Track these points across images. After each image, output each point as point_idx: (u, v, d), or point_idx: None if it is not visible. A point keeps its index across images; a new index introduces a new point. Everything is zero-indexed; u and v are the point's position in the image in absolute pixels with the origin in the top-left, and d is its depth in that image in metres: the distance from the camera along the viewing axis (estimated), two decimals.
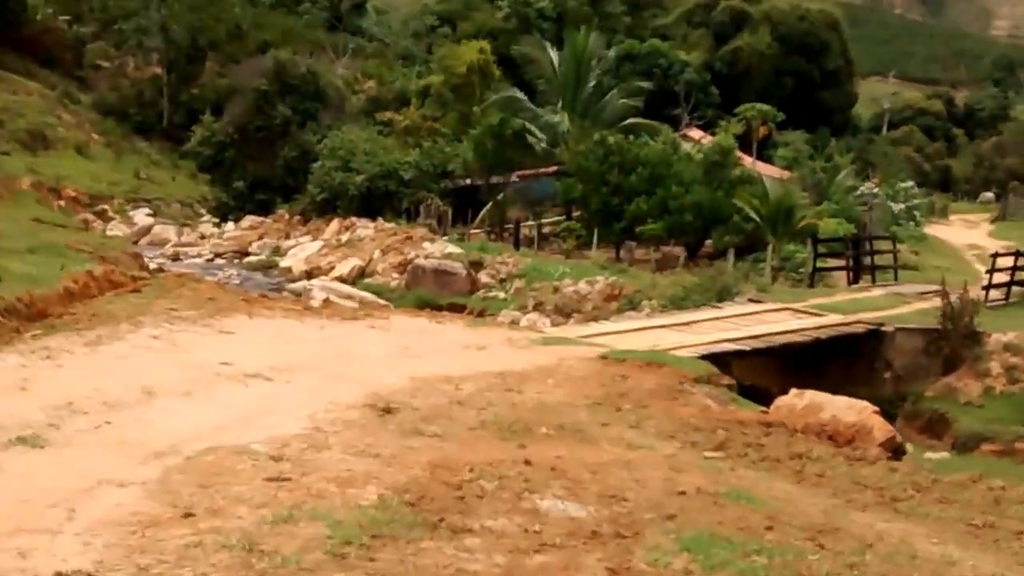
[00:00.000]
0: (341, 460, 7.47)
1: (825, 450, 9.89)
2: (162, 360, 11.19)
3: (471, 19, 71.40)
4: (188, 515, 5.92)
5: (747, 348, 17.89)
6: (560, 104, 43.66)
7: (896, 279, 28.95)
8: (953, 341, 20.25)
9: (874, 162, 64.58)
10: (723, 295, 22.83)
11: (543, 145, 41.24)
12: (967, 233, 55.25)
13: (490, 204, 40.87)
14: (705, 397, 13.06)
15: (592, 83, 44.28)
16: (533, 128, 41.47)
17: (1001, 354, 20.00)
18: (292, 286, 33.33)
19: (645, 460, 8.62)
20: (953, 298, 20.65)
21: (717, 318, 20.41)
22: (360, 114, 53.73)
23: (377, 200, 42.28)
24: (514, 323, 27.37)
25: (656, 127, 42.68)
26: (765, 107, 51.92)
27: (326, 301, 18.66)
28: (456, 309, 29.90)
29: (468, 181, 42.86)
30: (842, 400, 11.46)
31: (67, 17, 61.67)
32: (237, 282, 31.91)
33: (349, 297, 28.26)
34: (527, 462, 7.84)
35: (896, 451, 10.78)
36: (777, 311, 21.55)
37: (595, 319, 26.28)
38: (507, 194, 40.79)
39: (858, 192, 41.59)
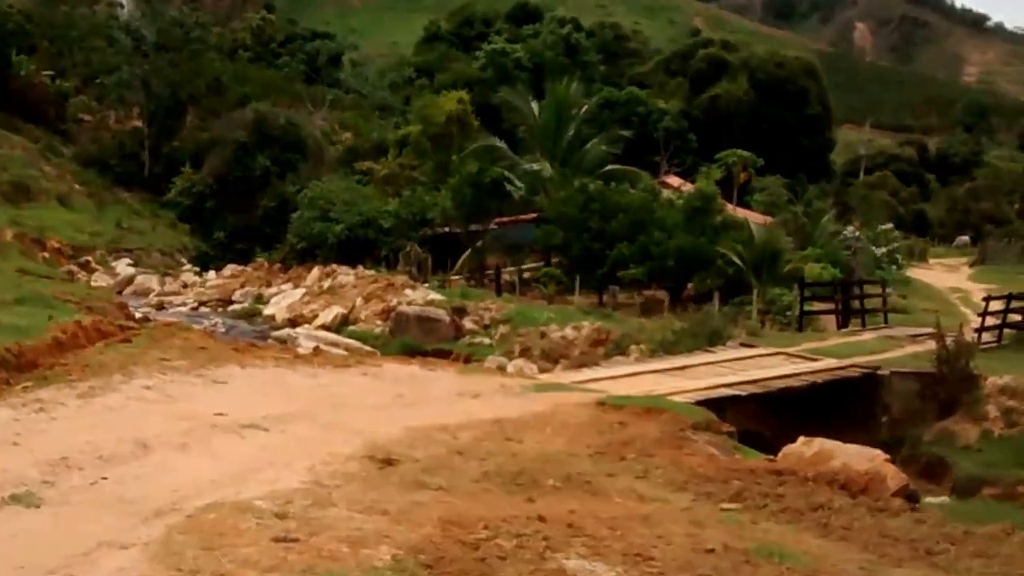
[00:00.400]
0: (348, 518, 7.21)
1: (845, 500, 9.58)
2: (156, 411, 10.95)
3: (448, 70, 71.86)
4: None
5: (744, 393, 17.73)
6: (540, 152, 43.74)
7: (886, 322, 28.95)
8: (950, 385, 20.11)
9: (853, 206, 64.97)
10: (714, 339, 22.71)
11: (521, 193, 41.25)
12: (948, 277, 55.52)
13: (469, 251, 40.77)
14: (708, 445, 12.88)
15: (572, 131, 44.36)
16: (511, 176, 41.49)
17: (998, 397, 19.86)
18: (276, 334, 33.03)
19: (662, 514, 8.37)
20: (948, 341, 20.56)
21: (711, 363, 20.28)
22: (338, 164, 53.95)
23: (357, 248, 42.22)
24: (501, 368, 27.18)
25: (636, 173, 42.79)
26: (745, 153, 52.29)
27: (316, 349, 18.42)
28: (442, 355, 29.60)
29: (447, 229, 42.80)
30: (853, 448, 11.23)
31: (50, 72, 62.03)
32: (223, 330, 31.54)
33: (335, 344, 27.94)
34: (541, 518, 7.61)
35: (910, 499, 10.57)
36: (770, 356, 21.45)
37: (583, 364, 26.08)
38: (486, 241, 40.72)
39: (841, 236, 41.75)
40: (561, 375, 18.79)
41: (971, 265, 66.45)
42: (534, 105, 46.12)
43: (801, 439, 11.90)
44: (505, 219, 41.41)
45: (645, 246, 33.38)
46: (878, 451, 11.20)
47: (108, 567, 5.87)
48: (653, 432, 13.19)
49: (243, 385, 13.53)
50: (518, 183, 41.13)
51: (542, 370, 26.66)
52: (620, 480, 9.91)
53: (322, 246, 42.28)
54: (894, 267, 46.52)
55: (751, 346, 22.49)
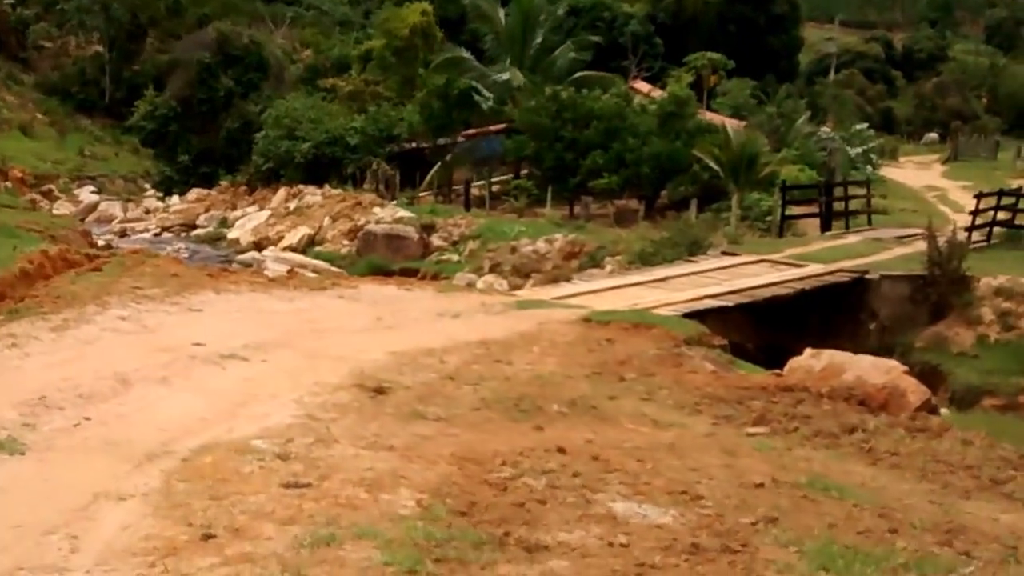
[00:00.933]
0: (355, 456, 6.87)
1: (880, 421, 9.16)
2: (133, 343, 10.60)
3: None
4: (208, 537, 5.24)
5: (730, 304, 17.53)
6: (508, 61, 42.92)
7: (870, 224, 28.75)
8: (941, 287, 19.83)
9: (824, 107, 64.46)
10: (694, 248, 22.44)
11: (490, 104, 40.56)
12: (921, 175, 55.26)
13: (437, 166, 40.17)
14: (705, 361, 12.66)
15: (539, 39, 43.56)
16: (480, 87, 40.76)
17: (992, 299, 19.56)
18: (241, 257, 32.74)
19: (688, 442, 8.03)
20: (940, 241, 20.25)
21: (693, 273, 20.05)
22: (299, 83, 52.97)
23: (323, 167, 41.56)
24: (470, 285, 27.00)
25: (608, 79, 42.01)
26: (715, 55, 51.54)
27: (291, 272, 18.03)
28: (409, 273, 29.34)
29: (414, 144, 42.15)
30: (867, 360, 10.91)
31: (10, 1, 60.68)
32: (186, 255, 31.14)
33: (303, 267, 27.56)
34: (561, 450, 7.29)
35: (931, 413, 10.32)
36: (754, 263, 21.24)
37: (556, 279, 25.90)
38: (454, 155, 40.13)
39: (815, 137, 41.32)
40: (540, 291, 18.53)
41: (943, 162, 66.24)
42: (500, 13, 45.10)
43: (808, 351, 11.61)
44: (473, 131, 40.77)
45: (619, 154, 32.93)
46: (894, 362, 10.95)
47: (111, 523, 5.47)
48: (645, 349, 12.97)
49: (219, 312, 13.18)
50: (486, 93, 40.43)
51: (513, 286, 26.53)
52: (626, 403, 9.63)
53: (288, 166, 41.59)
54: (869, 167, 46.17)
55: (733, 254, 22.25)
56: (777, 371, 11.64)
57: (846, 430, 8.70)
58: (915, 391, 10.14)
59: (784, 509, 6.33)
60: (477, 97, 39.82)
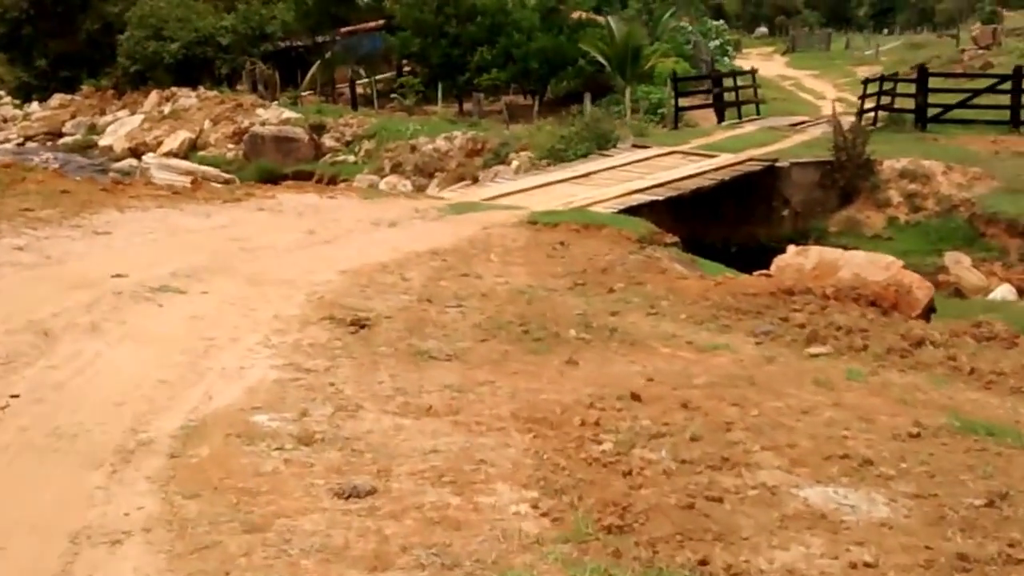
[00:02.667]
0: (397, 430, 4.89)
1: (938, 329, 7.59)
2: (41, 279, 8.29)
3: None
4: None
5: (661, 198, 15.85)
6: None
7: (758, 113, 27.33)
8: (848, 172, 18.67)
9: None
10: (603, 143, 20.56)
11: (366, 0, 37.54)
12: (768, 65, 54.21)
13: (317, 64, 37.03)
14: (675, 263, 10.91)
15: None
16: None
17: (898, 181, 18.52)
18: (117, 165, 29.57)
19: (762, 373, 6.31)
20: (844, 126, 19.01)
21: (612, 167, 18.25)
22: None
23: (194, 68, 38.04)
24: (372, 187, 24.78)
25: None
26: None
27: (195, 182, 15.43)
28: (303, 177, 27.04)
29: (290, 43, 38.85)
30: (858, 255, 9.40)
31: None
32: (56, 166, 27.74)
33: (189, 173, 24.72)
34: (635, 397, 5.44)
35: (929, 309, 8.84)
36: (666, 155, 19.58)
37: (461, 177, 23.94)
38: (334, 53, 37.02)
39: (680, 31, 39.49)
40: (469, 192, 16.37)
41: (783, 54, 66.07)
42: None
43: (792, 248, 10.06)
44: (351, 28, 37.65)
45: (506, 49, 30.58)
46: (889, 257, 9.38)
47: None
48: (603, 251, 11.28)
49: (130, 234, 10.81)
50: None
51: (417, 186, 24.50)
52: (638, 320, 7.88)
53: (156, 68, 37.84)
54: (726, 59, 44.81)
55: (644, 147, 20.52)
56: (764, 271, 9.91)
57: (913, 343, 7.10)
58: (920, 286, 8.80)
59: (991, 473, 4.63)
60: None
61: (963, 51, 41.35)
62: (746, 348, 7.01)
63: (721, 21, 49.58)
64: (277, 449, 4.49)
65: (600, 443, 4.68)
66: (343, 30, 37.49)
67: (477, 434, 4.84)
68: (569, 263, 10.61)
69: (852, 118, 20.09)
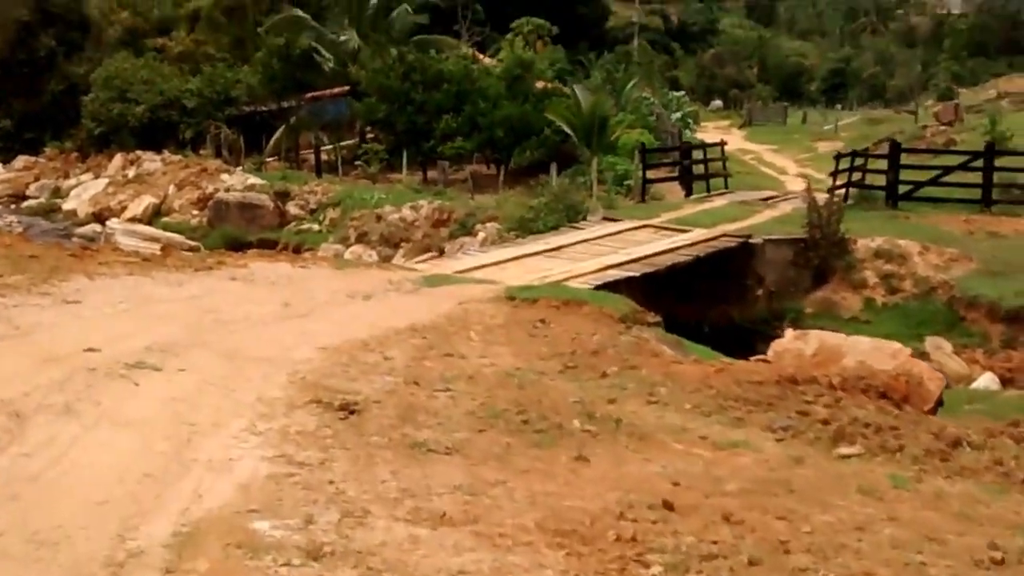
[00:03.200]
0: (413, 543, 4.50)
1: (972, 428, 7.27)
2: (11, 352, 7.91)
3: None
4: None
5: (637, 273, 15.68)
6: (347, 22, 39.62)
7: (727, 187, 27.37)
8: (823, 250, 18.51)
9: (635, 74, 63.27)
10: (572, 214, 20.42)
11: (331, 65, 37.41)
12: (727, 138, 54.75)
13: (282, 129, 36.78)
14: (662, 345, 10.66)
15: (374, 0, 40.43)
16: (320, 48, 37.52)
17: (873, 261, 18.34)
18: (81, 230, 29.05)
19: (800, 481, 5.95)
20: (818, 203, 18.92)
21: (585, 240, 18.11)
22: (119, 44, 48.05)
23: (159, 131, 37.63)
24: (338, 256, 24.44)
25: (448, 42, 39.45)
26: (539, 21, 49.37)
27: (165, 249, 15.06)
28: (267, 245, 26.70)
29: (256, 108, 38.62)
30: (864, 341, 9.11)
31: None
32: (20, 230, 27.18)
33: (154, 239, 24.36)
34: (668, 505, 5.12)
35: (939, 401, 8.55)
36: (637, 229, 19.48)
37: (427, 248, 23.72)
38: (299, 118, 36.82)
39: (644, 103, 39.71)
40: (442, 264, 16.11)
41: (740, 127, 66.78)
42: None
43: (790, 332, 9.79)
44: (317, 94, 37.50)
45: (471, 117, 30.53)
46: (896, 344, 9.10)
47: None
48: (587, 330, 11.07)
49: (101, 303, 10.39)
50: (327, 54, 37.18)
51: (383, 256, 24.20)
52: (644, 411, 7.54)
53: (121, 130, 37.38)
54: (688, 131, 45.19)
55: (615, 219, 20.39)
56: (761, 356, 9.65)
57: (950, 443, 6.74)
58: (931, 377, 8.50)
59: None
60: (318, 58, 36.59)
61: (925, 127, 41.96)
62: (767, 446, 6.70)
63: (682, 93, 50.02)
64: (284, 565, 4.12)
65: (647, 566, 4.35)
66: (308, 95, 37.36)
67: (504, 549, 4.49)
68: (553, 343, 10.35)
69: (822, 194, 19.89)
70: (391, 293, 12.85)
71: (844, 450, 6.59)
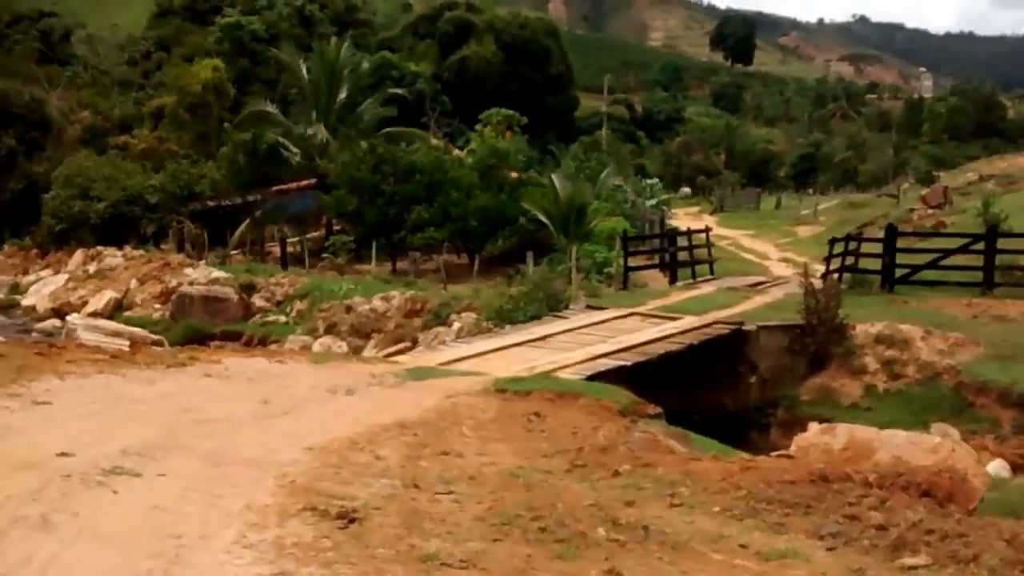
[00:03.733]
0: None
1: None
2: None
3: (184, 43, 66.25)
4: None
5: (629, 363, 15.31)
6: (314, 116, 39.72)
7: (712, 273, 27.23)
8: (820, 336, 18.07)
9: (606, 162, 63.87)
10: (553, 303, 20.13)
11: (297, 159, 37.37)
12: (699, 224, 55.36)
13: (247, 222, 36.53)
14: (670, 439, 10.29)
15: (344, 94, 40.58)
16: (287, 142, 37.50)
17: (874, 347, 17.79)
18: (41, 326, 28.52)
19: None
20: (815, 288, 18.61)
21: (570, 330, 17.75)
22: (79, 143, 48.14)
23: (120, 227, 37.36)
24: (306, 348, 24.00)
25: (417, 134, 39.61)
26: (508, 112, 49.83)
27: (135, 345, 14.59)
28: (232, 337, 26.38)
29: (220, 202, 38.41)
30: (898, 435, 8.57)
31: None
32: None
33: (117, 334, 23.70)
34: None
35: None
36: (624, 317, 19.15)
37: (400, 338, 23.28)
38: (265, 211, 36.62)
39: (619, 191, 39.91)
40: (424, 356, 15.72)
41: (711, 213, 67.33)
42: (303, 66, 41.72)
43: (814, 426, 9.29)
44: (284, 187, 37.38)
45: (444, 207, 30.40)
46: (934, 437, 8.68)
47: None
48: (584, 423, 10.77)
49: (73, 403, 9.99)
50: (294, 149, 37.16)
51: (353, 347, 23.77)
52: (670, 516, 7.10)
53: (82, 227, 37.07)
54: (661, 219, 45.36)
55: (599, 308, 20.10)
56: (784, 452, 9.27)
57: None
58: (976, 472, 7.96)
59: None
60: (285, 152, 36.54)
61: (912, 211, 42.13)
62: (818, 555, 6.22)
63: (655, 180, 50.41)
64: None
65: None
66: (274, 189, 37.24)
67: None
68: (553, 438, 9.99)
69: (815, 279, 19.63)
70: (374, 387, 12.46)
71: (909, 560, 6.05)
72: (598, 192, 36.85)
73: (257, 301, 28.61)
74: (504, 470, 8.46)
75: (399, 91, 45.14)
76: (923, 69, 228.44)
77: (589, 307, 20.18)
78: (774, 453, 9.20)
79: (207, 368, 12.77)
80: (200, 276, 30.27)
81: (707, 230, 29.68)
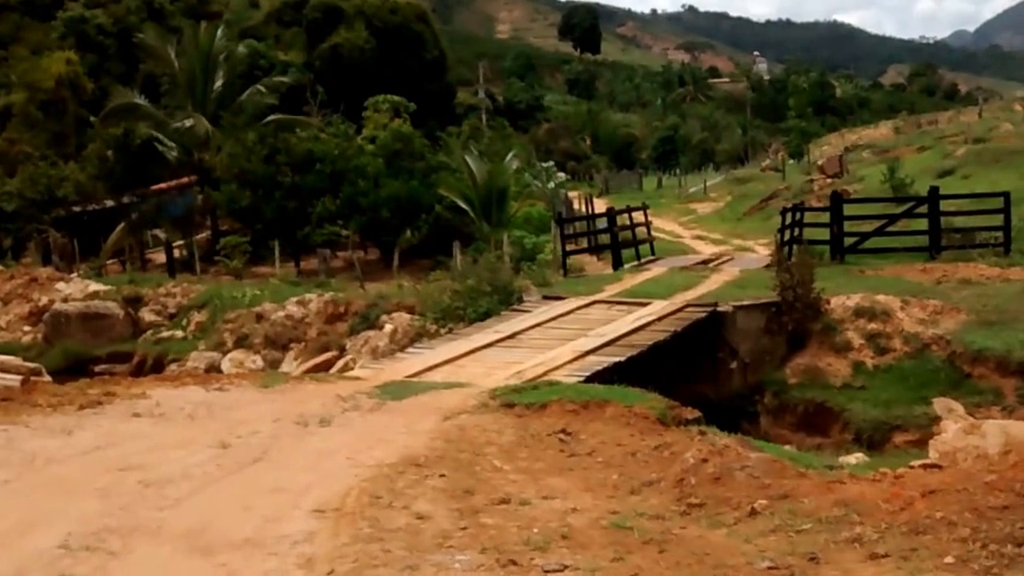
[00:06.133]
0: None
1: None
2: None
3: (24, 40, 61.50)
4: None
5: (622, 358, 13.29)
6: (191, 107, 36.32)
7: (653, 253, 25.36)
8: (798, 313, 16.55)
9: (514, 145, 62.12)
10: (504, 296, 17.90)
11: (175, 154, 34.07)
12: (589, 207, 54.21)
13: (122, 226, 33.10)
14: (746, 448, 8.15)
15: (220, 82, 37.31)
16: (161, 137, 34.16)
17: (854, 321, 16.44)
18: None
19: None
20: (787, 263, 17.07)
21: (538, 324, 15.59)
22: None
23: None
24: (213, 366, 21.28)
25: (309, 122, 36.64)
26: (396, 98, 47.17)
27: (27, 382, 11.73)
28: (121, 359, 23.48)
29: (88, 206, 34.84)
30: None
31: None
32: None
33: None
34: None
35: None
36: (587, 306, 17.12)
37: (325, 347, 20.75)
38: (142, 213, 33.24)
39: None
40: (389, 368, 13.24)
41: (599, 195, 66.42)
42: (173, 55, 38.12)
43: (950, 425, 7.46)
44: (163, 185, 34.01)
45: (351, 198, 27.72)
46: None
47: None
48: (621, 437, 8.96)
49: None
50: (169, 143, 33.81)
51: (270, 361, 21.15)
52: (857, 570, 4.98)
53: None
54: (567, 202, 43.54)
55: (557, 298, 17.96)
56: (926, 461, 7.24)
57: None
58: None
59: None
60: (161, 147, 33.19)
61: (811, 181, 41.31)
62: None
63: (551, 163, 48.52)
64: None
65: None
66: (152, 188, 33.84)
67: None
68: (613, 464, 7.94)
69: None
70: (350, 413, 10.10)
71: None
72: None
73: (146, 315, 25.50)
74: (598, 520, 6.31)
75: (283, 79, 41.92)
76: (757, 53, 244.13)
77: (546, 298, 18.02)
78: (916, 463, 7.15)
79: (131, 405, 10.14)
80: (75, 291, 26.92)
81: (645, 208, 27.69)
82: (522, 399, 10.19)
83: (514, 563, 5.36)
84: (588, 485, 7.36)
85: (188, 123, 34.45)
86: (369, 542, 5.79)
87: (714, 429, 9.42)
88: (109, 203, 34.05)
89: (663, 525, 6.13)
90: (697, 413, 10.33)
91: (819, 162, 45.55)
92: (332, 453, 8.35)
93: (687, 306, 16.72)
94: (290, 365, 21.11)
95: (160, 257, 32.60)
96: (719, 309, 16.61)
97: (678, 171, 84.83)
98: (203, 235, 33.34)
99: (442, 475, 7.51)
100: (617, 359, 13.17)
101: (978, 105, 72.93)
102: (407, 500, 6.77)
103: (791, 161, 65.36)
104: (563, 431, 9.23)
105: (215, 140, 33.86)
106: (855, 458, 12.91)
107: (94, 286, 27.09)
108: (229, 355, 21.79)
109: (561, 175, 46.54)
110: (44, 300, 26.84)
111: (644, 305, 16.75)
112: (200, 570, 5.43)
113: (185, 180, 33.84)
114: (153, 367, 22.46)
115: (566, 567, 5.32)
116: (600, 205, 51.20)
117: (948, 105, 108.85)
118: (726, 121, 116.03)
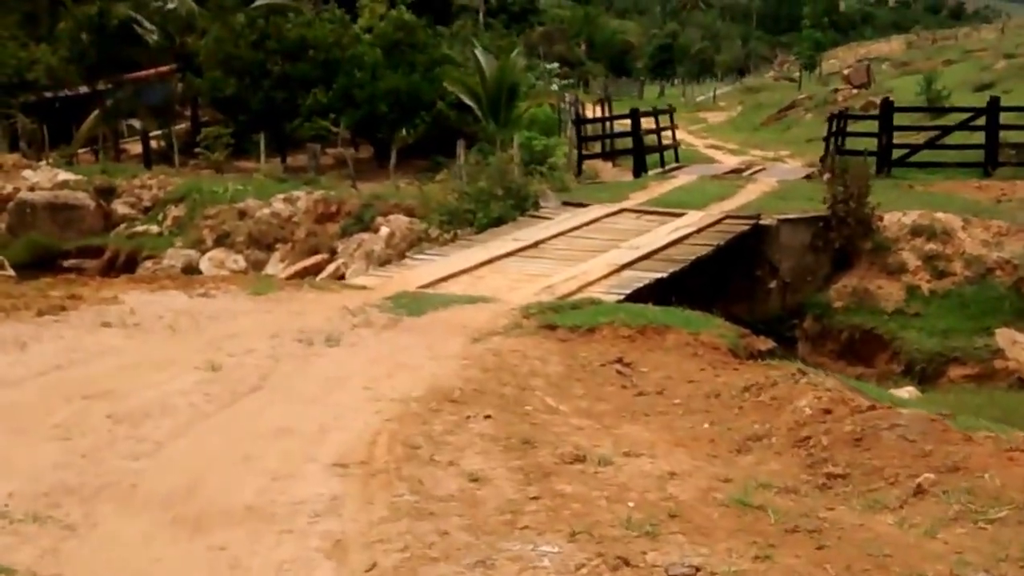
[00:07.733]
0: None
1: None
2: None
3: None
4: None
5: (664, 274, 11.79)
6: None
7: (677, 160, 23.69)
8: (848, 229, 15.07)
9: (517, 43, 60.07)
10: (520, 201, 16.30)
11: (155, 38, 31.90)
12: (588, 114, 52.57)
13: (95, 115, 31.07)
14: (854, 394, 6.66)
15: None
16: (140, 18, 31.93)
17: (910, 241, 15.02)
18: None
19: None
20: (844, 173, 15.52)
21: (562, 233, 14.03)
22: None
23: None
24: (191, 265, 19.77)
25: (302, 7, 34.32)
26: None
27: None
28: (92, 253, 22.06)
29: (60, 92, 32.73)
30: None
31: None
32: None
33: None
34: None
35: None
36: (615, 215, 15.57)
37: (315, 249, 19.29)
38: (118, 101, 31.21)
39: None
40: (397, 275, 11.68)
41: (597, 103, 64.61)
42: None
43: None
44: (141, 73, 31.89)
45: (345, 90, 25.79)
46: None
47: None
48: (713, 375, 7.66)
49: None
50: (149, 25, 31.61)
51: (253, 261, 19.62)
52: None
53: None
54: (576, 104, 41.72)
55: (579, 204, 16.38)
56: None
57: None
58: None
59: None
60: (140, 30, 31.00)
61: (836, 91, 39.55)
62: None
63: (556, 64, 46.49)
64: None
65: None
66: (129, 76, 31.72)
67: None
68: (697, 409, 6.52)
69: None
70: (361, 331, 8.59)
71: None
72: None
73: (119, 208, 23.82)
74: (708, 491, 4.85)
75: None
76: None
77: (566, 203, 16.45)
78: None
79: (101, 312, 8.60)
80: (43, 179, 25.15)
81: (671, 111, 25.85)
82: (563, 320, 8.72)
83: (625, 562, 3.88)
84: (676, 438, 5.91)
85: (171, 4, 32.23)
86: (417, 518, 4.31)
87: (799, 363, 8.01)
88: (83, 89, 31.90)
89: (802, 504, 4.66)
90: (771, 343, 8.93)
91: (845, 71, 43.63)
92: (345, 381, 6.90)
93: (726, 217, 15.24)
94: (275, 267, 19.69)
95: (136, 148, 30.75)
96: (762, 222, 15.12)
97: (678, 80, 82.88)
98: (183, 126, 31.39)
99: (487, 416, 6.05)
100: (659, 275, 11.67)
101: (992, 23, 71.23)
102: (452, 453, 5.31)
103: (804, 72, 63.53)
104: (619, 361, 7.80)
105: (199, 23, 31.69)
106: (907, 392, 11.65)
107: (64, 175, 25.33)
108: (208, 254, 20.28)
109: (556, 74, 44.25)
110: (9, 188, 25.10)
111: (678, 216, 15.21)
112: (190, 558, 3.95)
113: (165, 68, 31.75)
114: (126, 264, 21.12)
115: (697, 570, 3.85)
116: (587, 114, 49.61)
117: (952, 24, 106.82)
118: (727, 31, 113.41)
